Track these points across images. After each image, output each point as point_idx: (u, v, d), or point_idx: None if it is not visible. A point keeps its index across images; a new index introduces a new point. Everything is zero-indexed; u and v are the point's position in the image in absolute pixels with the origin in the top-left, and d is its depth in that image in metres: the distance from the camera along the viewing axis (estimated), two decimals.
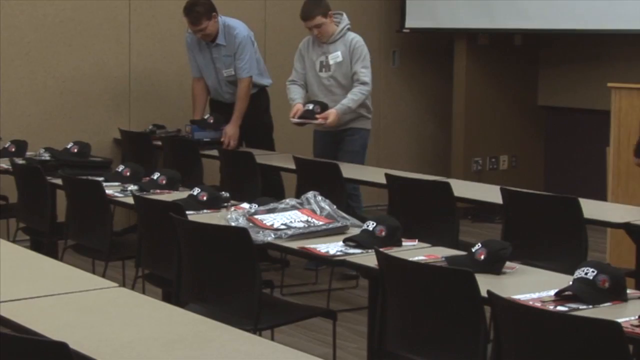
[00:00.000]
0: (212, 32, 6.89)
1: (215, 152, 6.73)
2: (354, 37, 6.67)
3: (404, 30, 8.68)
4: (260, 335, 3.71)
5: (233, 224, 4.27)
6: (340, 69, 6.63)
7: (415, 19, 8.68)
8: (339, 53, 6.63)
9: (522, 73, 8.87)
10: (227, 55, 6.95)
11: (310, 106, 6.52)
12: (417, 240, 4.11)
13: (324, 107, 6.50)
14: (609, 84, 6.45)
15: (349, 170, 6.01)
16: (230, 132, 6.90)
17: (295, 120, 6.51)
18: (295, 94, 6.68)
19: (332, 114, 6.46)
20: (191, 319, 3.01)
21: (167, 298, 4.43)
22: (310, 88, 6.73)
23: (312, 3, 6.60)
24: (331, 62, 6.64)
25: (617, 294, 3.21)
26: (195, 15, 6.78)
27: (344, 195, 5.80)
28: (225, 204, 4.82)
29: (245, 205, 4.62)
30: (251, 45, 7.00)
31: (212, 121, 7.03)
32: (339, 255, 3.92)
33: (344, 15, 6.69)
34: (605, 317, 2.84)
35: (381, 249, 3.66)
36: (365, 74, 6.59)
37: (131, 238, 5.31)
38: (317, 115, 6.46)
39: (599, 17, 7.34)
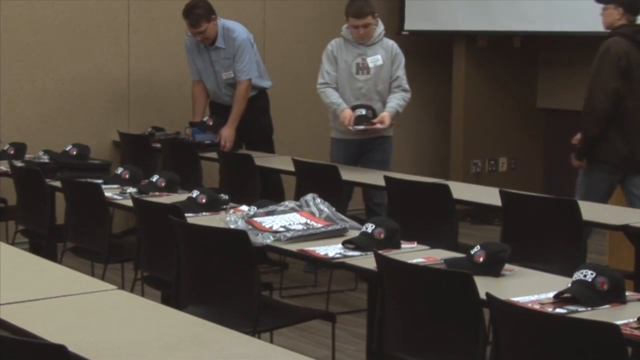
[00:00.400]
0: (212, 35, 6.89)
1: (214, 155, 6.73)
2: (394, 43, 6.56)
3: (403, 33, 8.68)
4: (259, 337, 3.72)
5: (232, 226, 4.27)
6: (379, 73, 6.46)
7: (414, 21, 8.68)
8: (379, 56, 6.46)
9: (521, 75, 8.87)
10: (226, 58, 6.95)
11: (363, 111, 6.31)
12: (416, 243, 4.11)
13: (373, 111, 6.35)
14: None
15: (348, 173, 6.01)
16: (226, 134, 6.89)
17: (359, 127, 6.27)
18: (337, 97, 6.40)
19: (386, 117, 6.31)
20: (190, 321, 3.01)
21: (166, 300, 4.43)
22: (341, 91, 6.46)
23: (363, 2, 6.43)
24: (371, 64, 6.45)
25: (615, 296, 3.21)
26: (195, 17, 6.78)
27: (342, 197, 5.80)
28: (224, 207, 4.82)
29: (244, 207, 4.62)
30: (250, 47, 7.00)
31: (211, 123, 7.03)
32: (337, 258, 3.92)
33: (380, 21, 6.59)
34: (604, 320, 2.84)
35: (380, 252, 3.66)
36: (406, 81, 6.50)
37: (130, 240, 5.31)
38: (374, 121, 6.29)
39: (598, 20, 7.33)
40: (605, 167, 5.87)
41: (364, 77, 6.46)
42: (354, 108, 6.34)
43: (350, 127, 6.28)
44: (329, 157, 6.71)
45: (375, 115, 6.33)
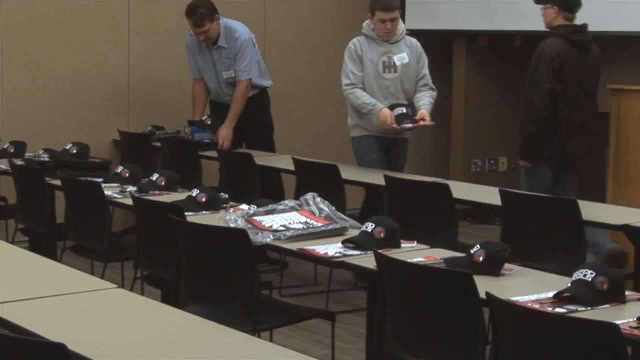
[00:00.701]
0: (215, 35, 6.88)
1: (214, 154, 6.73)
2: (417, 41, 6.43)
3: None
4: (259, 336, 3.72)
5: (232, 225, 4.27)
6: (406, 72, 6.32)
7: (414, 21, 8.67)
8: (405, 54, 6.32)
9: (521, 75, 8.83)
10: (227, 58, 6.94)
11: (404, 109, 6.14)
12: (416, 242, 4.11)
13: (412, 109, 6.20)
14: (609, 86, 6.46)
15: (348, 173, 6.01)
16: (224, 133, 6.88)
17: (407, 126, 6.11)
18: (370, 98, 6.18)
19: (426, 114, 6.17)
20: (190, 320, 3.01)
21: (166, 299, 4.43)
22: (369, 91, 6.25)
23: None
24: (398, 63, 6.29)
25: (615, 296, 3.21)
26: (199, 17, 6.78)
27: (343, 197, 5.79)
28: (225, 206, 4.82)
29: (245, 206, 4.62)
30: (252, 47, 6.99)
31: (210, 123, 7.03)
32: (337, 257, 3.92)
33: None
34: (604, 319, 2.84)
35: (380, 251, 3.67)
36: (431, 80, 6.41)
37: (130, 239, 5.31)
38: (418, 118, 6.14)
39: (598, 20, 7.33)
40: (546, 161, 6.03)
41: (391, 76, 6.30)
42: (391, 107, 6.16)
43: (396, 126, 6.09)
44: (356, 157, 6.46)
45: (414, 113, 6.22)
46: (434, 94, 6.41)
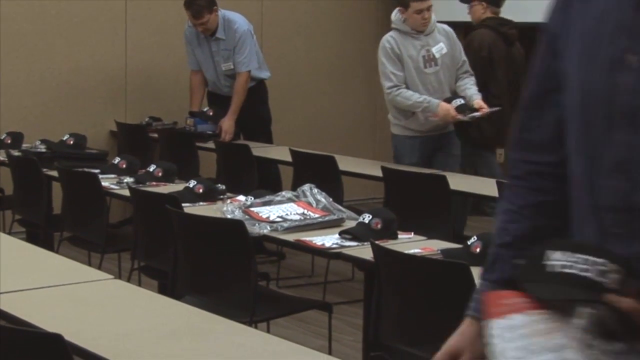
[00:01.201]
0: (213, 26, 6.87)
1: (211, 145, 6.73)
2: (449, 28, 6.13)
3: None
4: (256, 327, 3.72)
5: (229, 216, 4.27)
6: (446, 62, 6.02)
7: None
8: (442, 44, 6.01)
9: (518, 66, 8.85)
10: (226, 49, 6.93)
11: (462, 100, 5.86)
12: (412, 233, 4.11)
13: (466, 99, 5.98)
14: None
15: (345, 164, 6.01)
16: (226, 125, 6.88)
17: (476, 114, 5.82)
18: (420, 95, 5.85)
19: (482, 102, 5.90)
20: (187, 311, 3.02)
21: (163, 290, 4.43)
22: (414, 89, 5.92)
23: None
24: (437, 55, 5.97)
25: None
26: (197, 8, 6.76)
27: (340, 188, 5.80)
28: (222, 197, 4.82)
29: (242, 197, 4.62)
30: (251, 39, 6.98)
31: (211, 114, 7.03)
32: (334, 248, 3.92)
33: None
34: None
35: (377, 242, 3.67)
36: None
37: (127, 230, 5.32)
38: (476, 107, 5.88)
39: None
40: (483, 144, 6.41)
41: (432, 70, 5.98)
42: (446, 101, 5.90)
43: (462, 117, 5.84)
44: (395, 155, 6.19)
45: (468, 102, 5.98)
46: (474, 79, 6.13)
